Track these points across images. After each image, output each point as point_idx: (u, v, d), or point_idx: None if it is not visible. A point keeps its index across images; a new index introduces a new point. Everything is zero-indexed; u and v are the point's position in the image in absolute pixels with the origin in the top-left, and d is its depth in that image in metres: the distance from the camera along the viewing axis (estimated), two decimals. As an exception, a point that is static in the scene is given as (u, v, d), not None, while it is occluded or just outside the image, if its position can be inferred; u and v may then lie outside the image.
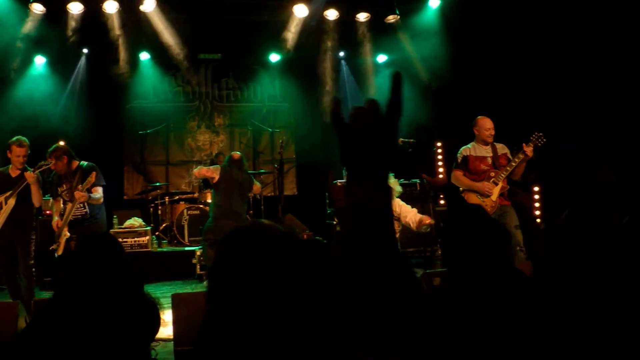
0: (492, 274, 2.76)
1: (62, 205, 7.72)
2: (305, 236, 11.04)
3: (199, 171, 8.94)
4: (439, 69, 11.43)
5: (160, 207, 11.89)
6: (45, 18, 10.72)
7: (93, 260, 2.69)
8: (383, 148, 1.35)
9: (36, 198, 7.53)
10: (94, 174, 7.29)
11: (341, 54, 13.43)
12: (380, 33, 12.11)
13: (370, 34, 12.18)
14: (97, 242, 3.23)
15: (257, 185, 9.26)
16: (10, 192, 7.43)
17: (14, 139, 7.61)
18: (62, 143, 8.08)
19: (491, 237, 2.90)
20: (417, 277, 3.28)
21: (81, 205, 7.42)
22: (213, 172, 8.72)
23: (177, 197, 12.23)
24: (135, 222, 10.77)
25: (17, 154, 7.51)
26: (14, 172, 7.61)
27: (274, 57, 13.69)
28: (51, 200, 7.86)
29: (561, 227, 3.40)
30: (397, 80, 1.45)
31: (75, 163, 7.62)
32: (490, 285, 2.72)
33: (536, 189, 10.21)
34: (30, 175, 7.32)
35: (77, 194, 7.24)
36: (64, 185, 7.57)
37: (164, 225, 11.79)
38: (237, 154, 9.00)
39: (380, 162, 1.34)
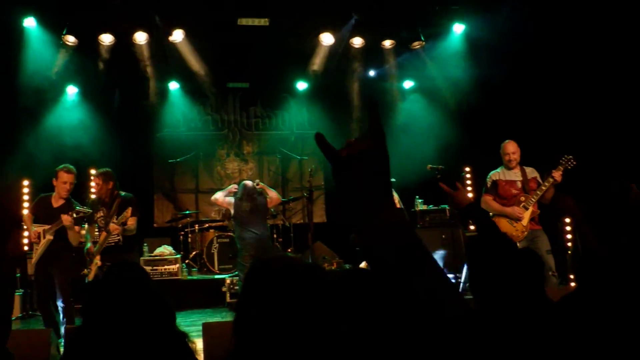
0: (521, 303, 2.71)
1: (96, 232, 7.82)
2: (335, 264, 11.04)
3: (216, 200, 9.34)
4: (466, 93, 11.43)
5: (190, 235, 11.97)
6: (77, 49, 10.91)
7: (120, 288, 2.70)
8: (374, 172, 1.38)
9: (73, 238, 7.54)
10: (129, 209, 7.41)
11: (371, 73, 13.41)
12: (406, 59, 12.15)
13: (395, 60, 12.23)
14: (125, 270, 3.26)
15: (272, 195, 9.42)
16: (49, 227, 7.46)
17: (62, 165, 7.67)
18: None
19: (523, 267, 2.86)
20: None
21: (115, 234, 7.49)
22: (228, 205, 9.12)
23: (207, 225, 12.29)
24: (165, 249, 10.85)
25: (64, 179, 7.55)
26: (56, 202, 7.64)
27: (302, 85, 13.78)
28: (86, 226, 7.92)
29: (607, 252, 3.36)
30: (372, 109, 1.49)
31: (116, 192, 7.72)
32: (519, 315, 2.67)
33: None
34: (67, 219, 7.33)
35: (111, 226, 7.32)
36: (101, 212, 7.65)
37: (193, 253, 11.84)
38: (249, 183, 9.23)
39: (375, 186, 1.37)
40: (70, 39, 10.75)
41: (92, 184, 10.39)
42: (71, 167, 7.69)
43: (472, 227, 11.10)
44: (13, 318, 3.85)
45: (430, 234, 11.06)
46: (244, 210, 9.02)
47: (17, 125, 11.02)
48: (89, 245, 7.67)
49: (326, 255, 11.68)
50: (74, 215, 7.41)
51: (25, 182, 11.24)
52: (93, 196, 8.20)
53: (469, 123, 11.75)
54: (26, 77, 10.46)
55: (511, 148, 7.78)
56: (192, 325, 8.20)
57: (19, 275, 8.86)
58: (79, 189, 8.68)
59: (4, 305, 1.91)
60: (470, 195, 12.08)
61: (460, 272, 10.05)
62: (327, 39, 11.46)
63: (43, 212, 7.62)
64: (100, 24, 10.72)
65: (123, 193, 7.80)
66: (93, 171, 10.96)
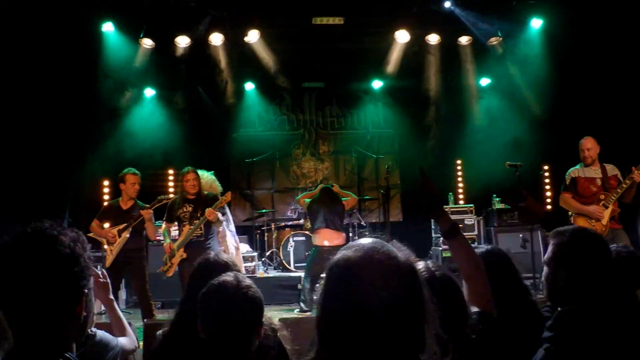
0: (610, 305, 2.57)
1: (175, 229, 8.01)
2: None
3: (298, 201, 9.58)
4: (544, 89, 11.16)
5: (266, 234, 12.07)
6: (154, 51, 11.17)
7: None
8: None
9: (151, 232, 7.90)
10: (229, 193, 7.80)
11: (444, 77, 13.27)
12: (483, 56, 11.96)
13: (472, 57, 12.04)
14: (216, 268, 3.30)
15: (349, 199, 9.44)
16: (125, 225, 7.73)
17: (126, 170, 7.95)
18: None
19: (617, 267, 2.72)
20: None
21: (211, 219, 7.64)
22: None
23: (283, 223, 12.39)
24: (242, 248, 10.97)
25: (132, 181, 7.85)
26: (125, 204, 7.93)
27: (377, 84, 13.72)
28: (164, 224, 8.11)
29: None
30: None
31: (202, 189, 7.95)
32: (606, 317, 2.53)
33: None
34: (148, 212, 7.66)
35: (208, 211, 7.47)
36: (184, 208, 7.82)
37: (270, 251, 11.95)
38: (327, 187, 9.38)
39: None
40: (148, 42, 10.99)
41: (171, 182, 10.57)
42: (133, 170, 8.00)
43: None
44: (100, 311, 3.98)
45: (507, 234, 10.89)
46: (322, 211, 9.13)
47: (97, 128, 11.32)
48: (168, 241, 7.84)
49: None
50: (153, 207, 7.74)
51: (106, 182, 11.54)
52: (170, 196, 8.40)
53: (548, 120, 11.49)
54: (105, 80, 10.77)
55: (588, 144, 7.59)
56: (269, 323, 8.28)
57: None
58: (158, 189, 8.92)
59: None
60: (547, 194, 11.86)
61: (539, 273, 9.83)
62: (402, 36, 11.37)
63: (114, 217, 7.93)
64: (176, 26, 10.90)
65: (207, 192, 8.02)
66: (171, 171, 11.19)
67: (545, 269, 2.82)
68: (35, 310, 1.77)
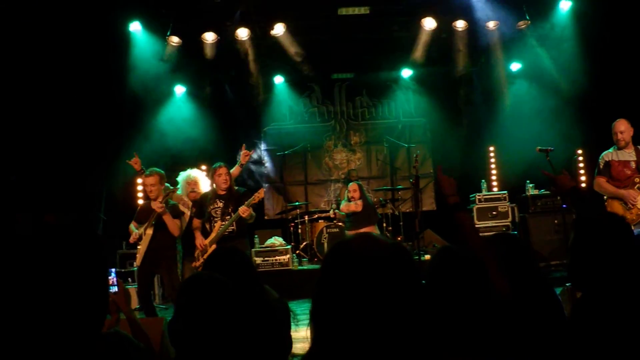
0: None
1: (208, 224, 7.98)
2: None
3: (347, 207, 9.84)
4: (576, 73, 10.98)
5: (300, 226, 12.09)
6: (182, 49, 11.22)
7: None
8: None
9: (172, 227, 7.56)
10: (262, 190, 7.67)
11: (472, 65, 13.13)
12: (512, 40, 11.80)
13: (501, 42, 11.88)
14: (225, 256, 3.35)
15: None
16: (146, 223, 7.67)
17: (146, 170, 7.91)
18: None
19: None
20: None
21: (245, 216, 7.63)
22: (357, 207, 9.62)
23: (317, 215, 12.39)
24: (276, 241, 11.00)
25: (145, 183, 7.80)
26: (154, 204, 7.85)
27: (406, 73, 13.66)
28: (195, 220, 8.11)
29: None
30: None
31: (232, 187, 7.91)
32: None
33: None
34: (158, 206, 7.42)
35: (242, 208, 7.45)
36: (216, 203, 7.82)
37: (304, 243, 11.98)
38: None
39: None
40: (175, 40, 11.03)
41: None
42: (153, 170, 7.78)
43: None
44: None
45: (542, 220, 10.80)
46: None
47: (129, 126, 11.37)
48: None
49: (436, 243, 11.58)
50: (163, 200, 7.51)
51: (140, 180, 11.65)
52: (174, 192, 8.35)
53: (580, 104, 11.31)
54: (135, 79, 10.82)
55: (621, 127, 7.43)
56: (303, 314, 8.29)
57: (135, 268, 9.16)
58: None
59: (101, 289, 2.00)
60: (582, 179, 11.72)
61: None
62: (429, 23, 11.27)
63: (144, 216, 7.79)
64: (202, 22, 10.94)
65: (237, 187, 8.03)
66: (203, 167, 11.25)
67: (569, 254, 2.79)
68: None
